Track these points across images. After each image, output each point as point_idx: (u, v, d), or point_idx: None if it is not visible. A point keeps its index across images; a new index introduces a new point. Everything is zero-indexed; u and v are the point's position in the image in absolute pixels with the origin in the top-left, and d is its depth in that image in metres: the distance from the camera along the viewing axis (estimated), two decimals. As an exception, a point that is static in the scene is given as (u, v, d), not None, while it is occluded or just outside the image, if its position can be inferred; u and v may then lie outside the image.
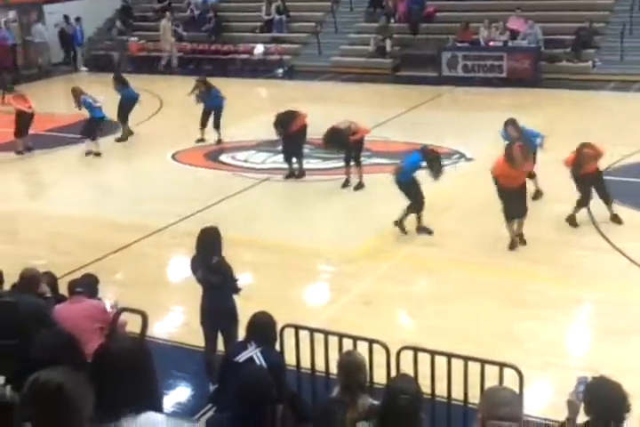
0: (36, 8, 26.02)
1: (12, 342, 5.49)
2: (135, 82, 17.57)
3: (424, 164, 10.46)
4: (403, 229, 10.74)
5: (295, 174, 13.53)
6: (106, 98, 15.96)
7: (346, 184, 12.93)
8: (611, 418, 4.32)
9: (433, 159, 10.49)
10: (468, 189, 10.73)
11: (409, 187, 10.50)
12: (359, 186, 12.79)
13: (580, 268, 9.80)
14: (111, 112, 16.02)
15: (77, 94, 15.50)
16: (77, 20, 25.73)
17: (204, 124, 15.77)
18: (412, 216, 10.71)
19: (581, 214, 10.79)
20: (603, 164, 10.87)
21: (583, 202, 10.64)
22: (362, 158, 12.95)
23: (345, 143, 12.37)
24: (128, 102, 16.39)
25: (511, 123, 11.31)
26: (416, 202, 10.61)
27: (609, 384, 4.43)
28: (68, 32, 26.18)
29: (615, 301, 8.84)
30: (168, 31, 25.16)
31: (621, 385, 4.38)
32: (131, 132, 16.55)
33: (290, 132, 13.14)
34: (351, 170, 12.90)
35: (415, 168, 10.54)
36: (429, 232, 10.72)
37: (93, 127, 15.51)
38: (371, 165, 13.43)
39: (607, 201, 10.70)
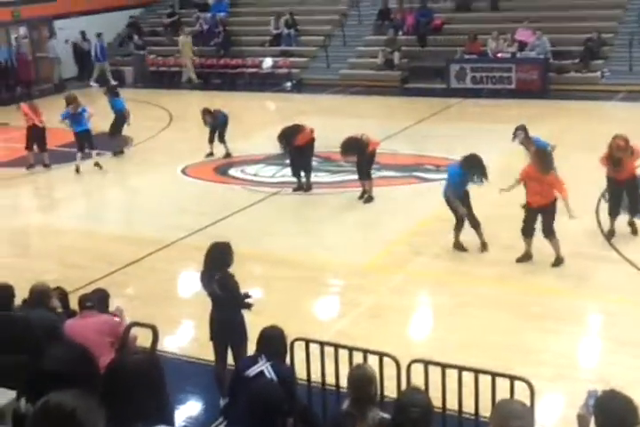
0: (47, 24, 26.19)
1: (24, 356, 5.53)
2: (144, 96, 17.67)
3: (466, 173, 10.33)
4: (461, 248, 10.62)
5: (303, 188, 13.57)
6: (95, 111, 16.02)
7: (362, 196, 12.93)
8: (620, 431, 4.33)
9: (473, 166, 10.37)
10: (477, 201, 10.71)
11: (447, 202, 10.43)
12: (369, 199, 12.82)
13: (591, 279, 9.80)
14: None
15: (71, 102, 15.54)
16: (99, 35, 25.77)
17: (211, 140, 15.84)
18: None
19: (589, 224, 10.77)
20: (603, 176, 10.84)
21: (613, 211, 10.54)
22: (371, 171, 12.99)
23: (363, 151, 12.40)
24: (121, 115, 16.50)
25: (522, 129, 11.38)
26: (455, 217, 10.53)
27: (619, 398, 4.41)
28: (82, 47, 26.39)
29: (626, 312, 8.82)
30: (187, 46, 25.05)
31: (632, 399, 4.37)
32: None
33: (294, 146, 13.20)
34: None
35: (457, 179, 10.42)
36: (463, 249, 10.60)
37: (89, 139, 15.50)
38: (380, 178, 13.41)
39: (635, 211, 10.69)
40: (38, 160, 16.00)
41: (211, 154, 15.97)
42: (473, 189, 10.57)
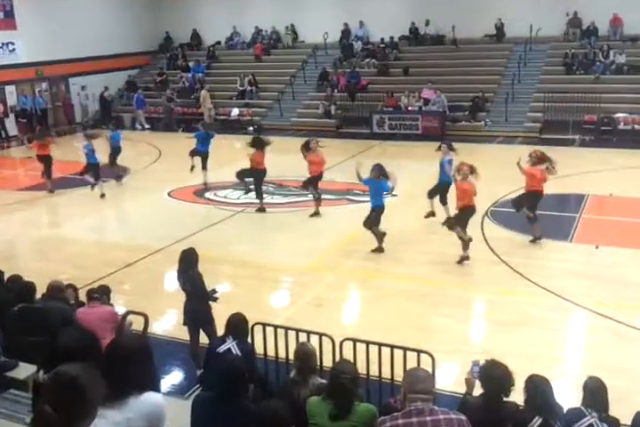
0: (64, 80, 25.77)
1: (43, 338, 5.41)
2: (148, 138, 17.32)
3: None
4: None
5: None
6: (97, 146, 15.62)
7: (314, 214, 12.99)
8: (500, 391, 4.38)
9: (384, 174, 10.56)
10: (392, 218, 10.82)
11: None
12: (314, 214, 12.86)
13: (476, 275, 9.94)
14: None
15: (89, 139, 15.13)
16: (136, 90, 25.58)
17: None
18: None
19: (476, 235, 10.95)
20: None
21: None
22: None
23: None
24: (117, 147, 16.09)
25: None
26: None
27: (499, 365, 4.48)
28: (106, 98, 26.08)
29: (503, 300, 8.96)
30: (207, 99, 24.43)
31: (508, 366, 4.45)
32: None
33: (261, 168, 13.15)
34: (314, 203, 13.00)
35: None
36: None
37: (96, 170, 15.01)
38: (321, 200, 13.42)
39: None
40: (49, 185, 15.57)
41: (193, 167, 15.58)
42: (392, 209, 10.66)
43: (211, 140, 15.57)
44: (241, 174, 13.78)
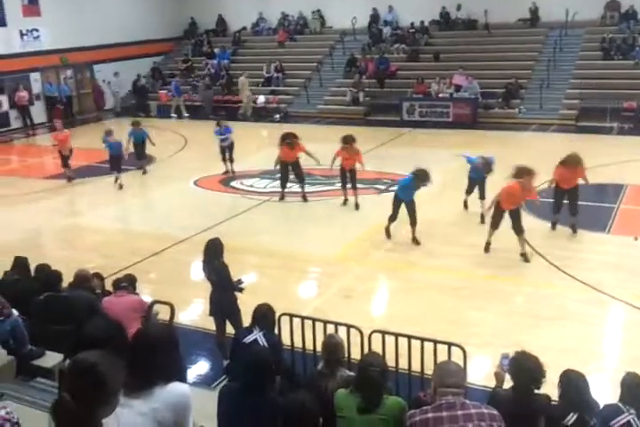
0: (88, 68, 25.99)
1: (70, 327, 5.49)
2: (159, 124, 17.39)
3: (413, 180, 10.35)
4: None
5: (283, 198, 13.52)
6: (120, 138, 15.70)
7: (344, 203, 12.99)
8: (531, 383, 4.34)
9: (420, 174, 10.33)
10: (422, 210, 10.74)
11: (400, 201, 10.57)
12: (356, 206, 12.76)
13: (511, 268, 9.84)
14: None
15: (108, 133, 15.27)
16: (173, 76, 25.47)
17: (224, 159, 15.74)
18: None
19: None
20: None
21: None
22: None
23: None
24: (141, 141, 16.18)
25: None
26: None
27: (529, 357, 4.44)
28: (144, 85, 26.05)
29: (538, 293, 8.87)
30: (246, 86, 24.17)
31: (539, 358, 4.40)
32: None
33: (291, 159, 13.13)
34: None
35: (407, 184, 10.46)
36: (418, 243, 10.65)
37: (116, 162, 15.14)
38: (349, 189, 13.35)
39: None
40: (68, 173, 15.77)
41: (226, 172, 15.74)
42: (422, 199, 10.61)
43: (229, 134, 15.59)
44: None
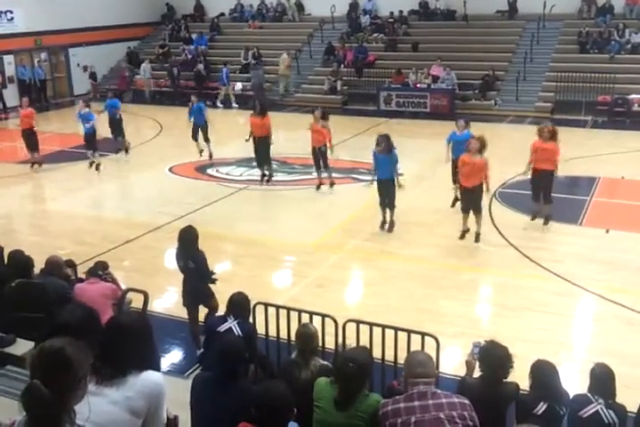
0: (64, 50, 25.56)
1: (41, 315, 5.42)
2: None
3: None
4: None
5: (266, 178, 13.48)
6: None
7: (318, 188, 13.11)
8: (499, 372, 4.39)
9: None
10: (398, 199, 10.76)
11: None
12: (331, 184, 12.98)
13: (483, 258, 9.92)
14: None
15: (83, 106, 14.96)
16: (225, 64, 23.85)
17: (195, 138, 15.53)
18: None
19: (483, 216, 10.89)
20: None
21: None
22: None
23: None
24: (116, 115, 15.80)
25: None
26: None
27: (499, 346, 4.49)
28: (131, 70, 25.69)
29: (511, 283, 8.94)
30: (285, 63, 23.41)
31: (507, 348, 4.44)
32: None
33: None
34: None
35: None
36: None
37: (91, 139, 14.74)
38: (325, 178, 13.37)
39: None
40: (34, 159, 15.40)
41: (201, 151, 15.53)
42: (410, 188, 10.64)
43: (204, 112, 15.36)
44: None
